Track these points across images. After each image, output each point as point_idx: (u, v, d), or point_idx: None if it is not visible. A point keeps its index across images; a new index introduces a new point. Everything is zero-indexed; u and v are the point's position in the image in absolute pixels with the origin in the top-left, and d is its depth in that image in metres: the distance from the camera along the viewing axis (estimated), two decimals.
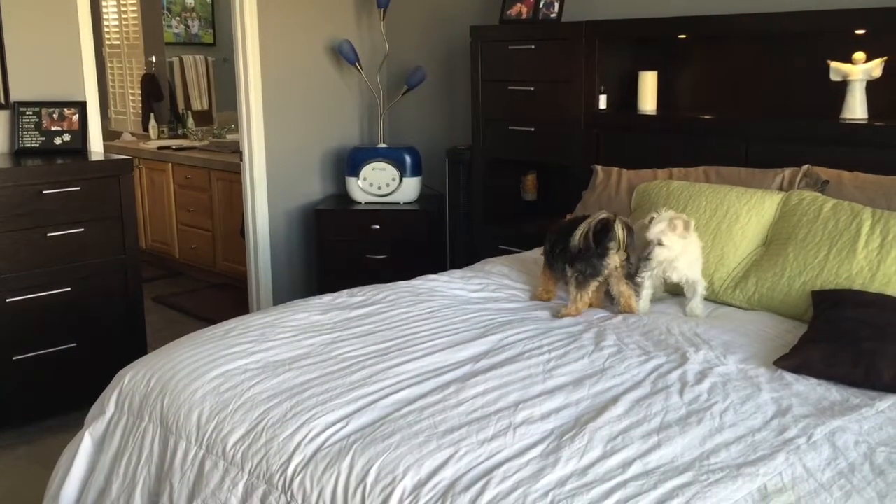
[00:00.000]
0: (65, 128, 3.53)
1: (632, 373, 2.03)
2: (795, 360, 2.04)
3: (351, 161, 4.32)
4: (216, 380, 2.03)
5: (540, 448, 1.66)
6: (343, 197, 4.47)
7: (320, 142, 4.56)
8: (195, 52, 6.35)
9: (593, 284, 2.49)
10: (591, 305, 2.57)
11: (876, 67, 2.85)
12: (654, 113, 3.47)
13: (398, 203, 4.29)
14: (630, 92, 3.55)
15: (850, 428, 1.73)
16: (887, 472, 1.56)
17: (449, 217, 4.23)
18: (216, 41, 6.44)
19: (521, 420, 1.77)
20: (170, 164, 5.53)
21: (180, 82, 6.29)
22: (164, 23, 6.23)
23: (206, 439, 1.89)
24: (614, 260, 2.47)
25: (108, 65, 6.48)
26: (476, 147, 3.93)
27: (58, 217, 3.20)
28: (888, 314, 2.13)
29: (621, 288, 2.52)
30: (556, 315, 2.50)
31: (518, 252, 3.37)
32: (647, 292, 2.55)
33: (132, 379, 2.17)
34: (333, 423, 1.79)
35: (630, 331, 2.35)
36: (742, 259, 2.62)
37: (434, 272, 2.97)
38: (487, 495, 1.50)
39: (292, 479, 1.70)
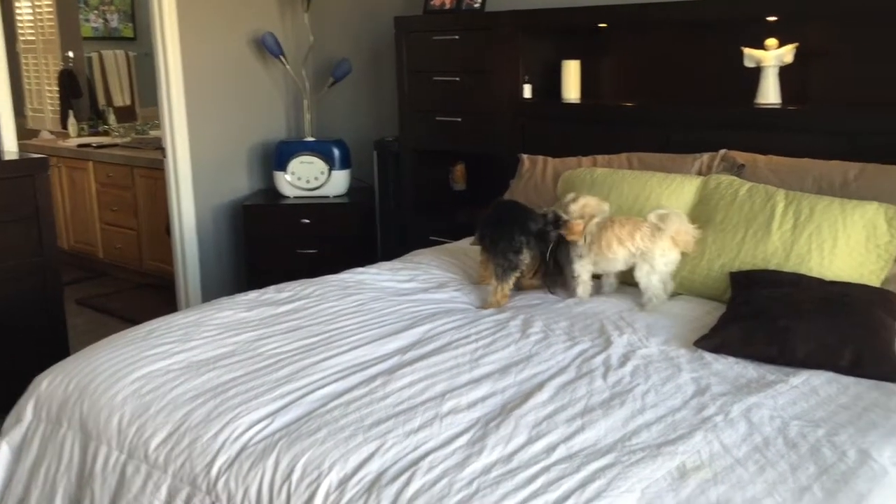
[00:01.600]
0: None
1: (557, 359, 2.06)
2: (714, 341, 2.10)
3: (278, 155, 4.26)
4: (137, 382, 1.98)
5: (466, 437, 1.66)
6: (271, 192, 4.41)
7: (246, 136, 4.49)
8: (115, 47, 6.18)
9: (512, 277, 2.53)
10: (527, 289, 2.64)
11: (787, 53, 2.94)
12: (577, 101, 3.51)
13: (327, 196, 4.25)
14: (554, 81, 3.58)
15: (766, 404, 1.78)
16: (800, 444, 1.61)
17: (379, 209, 4.21)
18: (137, 35, 6.27)
19: (447, 410, 1.78)
20: (90, 163, 5.37)
21: (100, 78, 6.11)
22: (81, 17, 6.05)
23: (127, 443, 1.85)
24: (527, 256, 2.54)
25: (23, 61, 6.25)
26: (403, 138, 3.92)
27: None
28: (801, 292, 2.20)
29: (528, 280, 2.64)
30: (481, 306, 2.52)
31: (449, 243, 3.37)
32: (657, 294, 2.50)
33: (49, 385, 2.10)
34: (258, 422, 1.77)
35: (557, 317, 2.38)
36: None
37: (366, 265, 2.95)
38: (413, 486, 1.50)
39: (216, 480, 1.67)
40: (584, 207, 2.60)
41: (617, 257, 2.51)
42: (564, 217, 2.58)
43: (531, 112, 3.55)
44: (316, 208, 4.14)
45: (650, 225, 2.48)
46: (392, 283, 2.73)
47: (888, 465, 1.54)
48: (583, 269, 2.57)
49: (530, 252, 2.55)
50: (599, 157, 3.16)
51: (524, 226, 2.55)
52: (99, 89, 6.11)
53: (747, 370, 1.98)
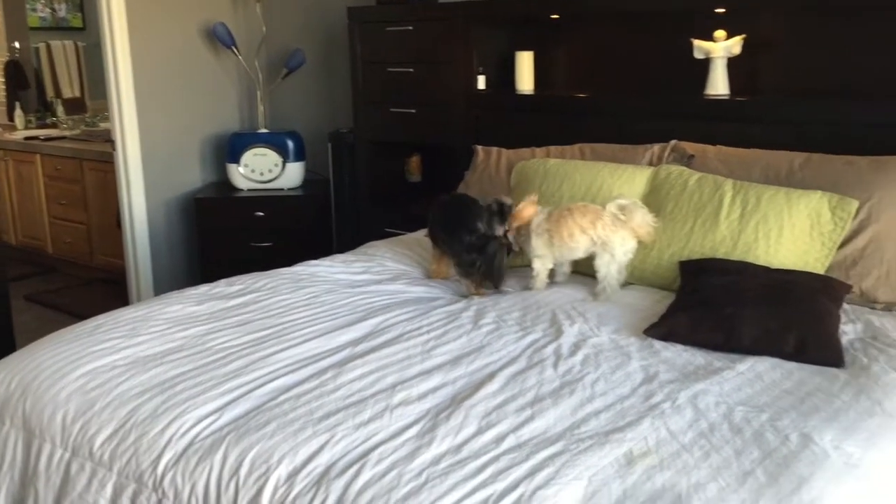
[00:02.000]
0: None
1: (508, 349, 2.06)
2: (663, 329, 2.12)
3: (231, 147, 4.20)
4: (82, 378, 1.94)
5: (416, 428, 1.66)
6: (224, 184, 4.35)
7: (198, 128, 4.42)
8: (63, 37, 6.04)
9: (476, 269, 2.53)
10: None
11: (735, 45, 2.98)
12: (531, 92, 3.52)
13: (282, 189, 4.21)
14: (508, 72, 3.59)
15: (712, 390, 1.81)
16: (744, 429, 1.63)
17: (334, 201, 4.18)
18: (86, 25, 6.13)
19: (398, 402, 1.77)
20: (38, 156, 5.25)
21: (48, 69, 5.97)
22: (27, 6, 5.90)
23: (71, 441, 1.81)
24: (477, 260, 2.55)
25: None
26: (358, 130, 3.90)
27: None
28: (748, 280, 2.23)
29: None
30: (468, 296, 2.52)
31: (404, 234, 3.37)
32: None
33: None
34: (206, 416, 1.75)
35: (510, 308, 2.39)
36: None
37: (321, 258, 2.93)
38: (362, 478, 1.50)
39: (163, 476, 1.64)
40: (519, 211, 2.58)
41: (578, 246, 2.51)
42: (507, 202, 2.55)
43: (485, 103, 3.55)
44: (270, 201, 4.10)
45: (610, 214, 2.49)
46: (345, 275, 2.71)
47: (829, 449, 1.57)
48: (542, 266, 2.56)
49: (478, 260, 2.54)
50: (553, 149, 3.17)
51: (469, 231, 2.53)
52: (47, 81, 5.98)
53: (695, 357, 2.01)
